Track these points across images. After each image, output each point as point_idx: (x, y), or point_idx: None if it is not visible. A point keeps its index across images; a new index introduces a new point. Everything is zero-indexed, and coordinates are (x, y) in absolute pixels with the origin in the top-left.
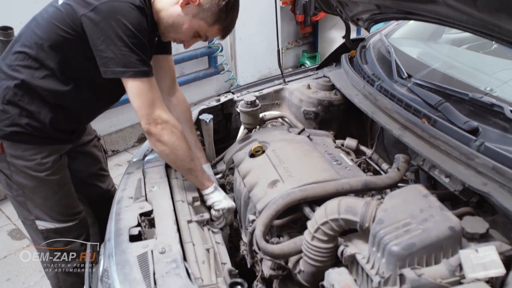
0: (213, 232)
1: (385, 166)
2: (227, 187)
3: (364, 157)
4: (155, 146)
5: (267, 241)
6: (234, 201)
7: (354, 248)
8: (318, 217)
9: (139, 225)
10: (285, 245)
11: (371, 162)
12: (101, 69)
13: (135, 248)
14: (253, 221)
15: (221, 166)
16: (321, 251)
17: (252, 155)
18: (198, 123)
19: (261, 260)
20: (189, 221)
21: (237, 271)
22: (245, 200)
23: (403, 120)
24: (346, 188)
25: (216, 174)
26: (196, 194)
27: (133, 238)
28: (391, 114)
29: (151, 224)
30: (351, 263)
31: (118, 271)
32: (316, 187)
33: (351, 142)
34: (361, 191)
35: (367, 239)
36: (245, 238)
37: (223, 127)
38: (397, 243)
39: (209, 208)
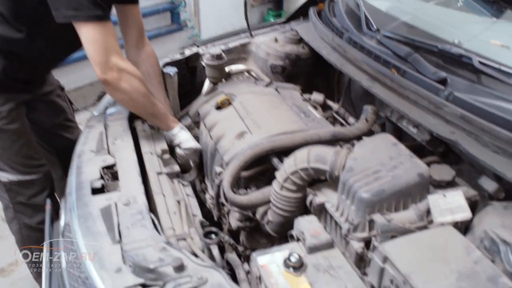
0: (183, 185)
1: (351, 120)
2: None
3: (331, 111)
4: (113, 95)
5: (234, 192)
6: (201, 155)
7: (323, 197)
8: (288, 166)
9: (101, 178)
10: (253, 195)
11: (337, 117)
12: (53, 13)
13: (98, 201)
14: (220, 173)
15: (187, 121)
16: (290, 201)
17: (219, 108)
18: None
19: (228, 212)
20: (159, 173)
21: (208, 223)
22: (212, 153)
23: (372, 72)
24: (314, 138)
25: None
26: (165, 147)
27: (96, 191)
28: (360, 65)
29: (114, 177)
30: (320, 212)
31: (80, 225)
32: (285, 138)
33: (318, 96)
34: (329, 142)
35: (336, 188)
36: (211, 191)
37: (187, 81)
38: (367, 190)
39: (174, 148)
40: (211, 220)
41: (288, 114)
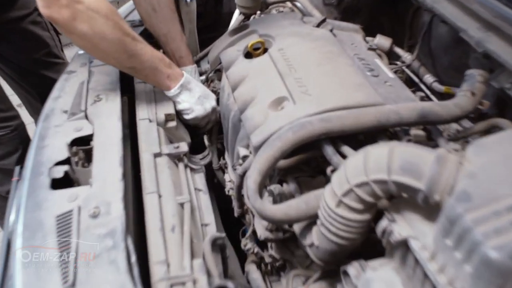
0: (192, 170)
1: (429, 78)
2: None
3: (400, 63)
4: (71, 40)
5: (264, 187)
6: (220, 118)
7: (407, 227)
8: (352, 172)
9: (68, 161)
10: (292, 206)
11: (408, 72)
12: None
13: (57, 201)
14: (244, 157)
15: (206, 65)
16: (350, 225)
17: (249, 55)
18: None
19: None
20: (157, 155)
21: (223, 235)
22: (235, 123)
23: (489, 16)
24: (392, 120)
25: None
26: (172, 110)
27: (57, 183)
28: (467, 4)
29: (88, 157)
30: (395, 248)
31: (24, 242)
32: (347, 116)
33: (383, 41)
34: (414, 124)
35: (429, 216)
36: (231, 173)
37: (210, 11)
38: (500, 246)
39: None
40: (229, 213)
41: (350, 73)
